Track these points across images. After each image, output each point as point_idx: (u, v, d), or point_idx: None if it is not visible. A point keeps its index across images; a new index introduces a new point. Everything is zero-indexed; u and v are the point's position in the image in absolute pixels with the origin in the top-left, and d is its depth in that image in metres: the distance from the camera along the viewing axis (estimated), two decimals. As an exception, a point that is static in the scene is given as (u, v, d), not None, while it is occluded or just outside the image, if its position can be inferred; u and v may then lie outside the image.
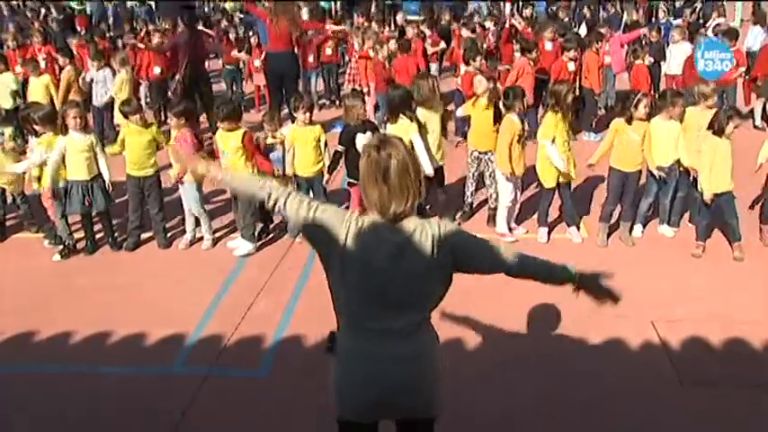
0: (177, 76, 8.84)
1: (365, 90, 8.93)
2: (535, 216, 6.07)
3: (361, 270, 2.11)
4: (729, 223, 5.46)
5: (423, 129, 5.70)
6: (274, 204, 2.26)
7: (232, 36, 11.35)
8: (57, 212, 5.73)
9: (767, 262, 5.43)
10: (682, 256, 5.54)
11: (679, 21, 12.94)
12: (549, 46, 8.88)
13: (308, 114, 5.76)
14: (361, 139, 5.60)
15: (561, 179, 5.67)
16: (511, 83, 7.58)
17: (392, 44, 9.17)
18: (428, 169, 5.61)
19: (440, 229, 2.14)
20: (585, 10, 13.89)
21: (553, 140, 5.51)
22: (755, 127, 9.05)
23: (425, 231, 2.12)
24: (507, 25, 9.32)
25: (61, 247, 5.80)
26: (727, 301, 4.80)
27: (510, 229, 5.96)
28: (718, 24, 11.07)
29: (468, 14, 12.53)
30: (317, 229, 2.16)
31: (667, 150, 5.64)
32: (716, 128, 5.23)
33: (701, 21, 13.27)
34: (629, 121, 5.52)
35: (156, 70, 9.51)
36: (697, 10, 13.24)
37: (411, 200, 2.13)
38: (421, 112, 5.82)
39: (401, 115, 5.63)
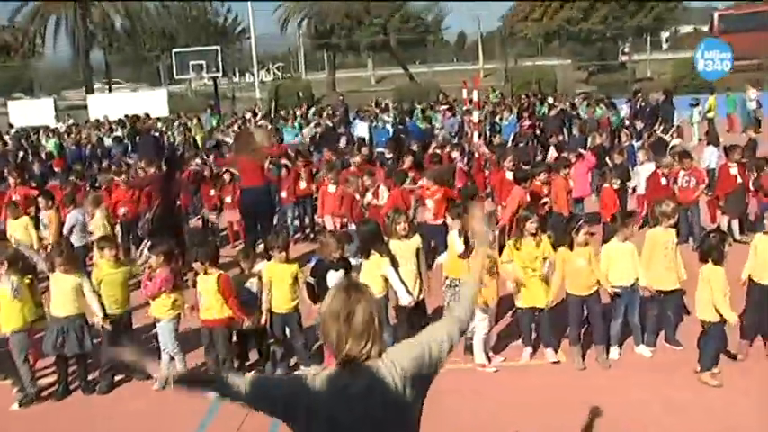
0: (147, 215, 9.11)
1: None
2: (513, 343, 6.32)
3: (331, 429, 2.12)
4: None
5: (396, 262, 5.96)
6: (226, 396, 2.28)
7: (207, 173, 11.70)
8: (19, 357, 5.74)
9: (751, 379, 5.62)
10: (663, 376, 5.74)
11: (641, 143, 14.03)
12: (509, 175, 9.28)
13: (284, 253, 6.03)
14: (333, 276, 5.84)
15: (533, 302, 6.00)
16: (512, 214, 7.74)
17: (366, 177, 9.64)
18: (404, 299, 5.83)
19: (395, 364, 2.17)
20: (552, 137, 14.98)
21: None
22: (736, 241, 9.46)
23: (388, 370, 2.14)
24: (477, 154, 9.90)
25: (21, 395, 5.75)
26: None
27: (488, 358, 6.15)
28: (673, 146, 12.04)
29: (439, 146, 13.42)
30: (275, 405, 2.18)
31: (625, 270, 6.01)
32: (715, 257, 5.43)
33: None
34: (571, 247, 5.91)
35: (122, 211, 9.67)
36: (656, 133, 14.37)
37: (370, 344, 2.18)
38: (395, 244, 6.10)
39: (373, 251, 5.89)
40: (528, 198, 8.28)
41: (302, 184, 10.96)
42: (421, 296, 6.21)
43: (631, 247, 6.08)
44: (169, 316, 5.92)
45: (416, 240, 6.25)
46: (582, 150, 10.64)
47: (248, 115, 23.94)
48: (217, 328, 5.86)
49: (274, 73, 51.14)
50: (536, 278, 6.04)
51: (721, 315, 5.40)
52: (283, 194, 10.79)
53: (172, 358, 6.00)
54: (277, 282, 6.01)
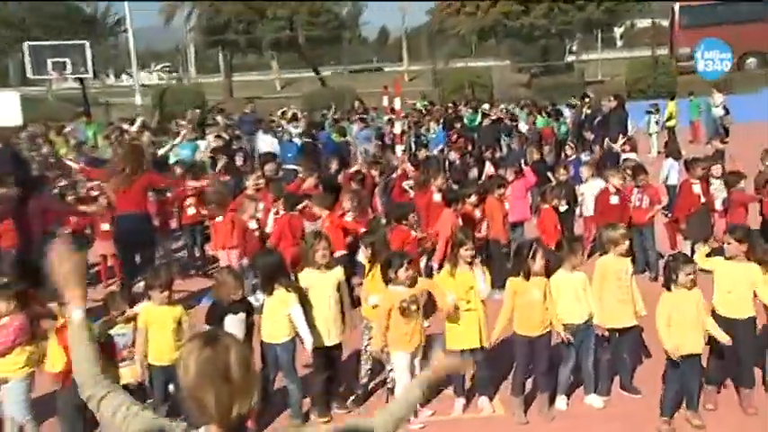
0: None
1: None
2: (443, 393, 6.39)
3: None
4: (689, 389, 5.80)
5: (306, 298, 6.04)
6: (89, 399, 2.33)
7: (70, 197, 11.27)
8: None
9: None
10: (619, 429, 5.90)
11: (589, 157, 14.65)
12: (438, 197, 9.49)
13: (165, 294, 5.94)
14: (231, 321, 5.83)
15: (467, 343, 6.10)
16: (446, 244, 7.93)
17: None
18: (307, 343, 5.91)
19: None
20: (486, 151, 15.39)
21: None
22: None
23: None
24: (399, 172, 10.01)
25: None
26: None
27: (414, 412, 6.18)
28: (626, 159, 12.58)
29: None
30: None
31: (576, 306, 6.18)
32: (667, 281, 5.72)
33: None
34: (527, 276, 6.04)
35: None
36: (606, 144, 15.05)
37: (253, 400, 2.21)
38: (312, 276, 6.16)
39: (276, 285, 5.94)
40: (460, 223, 8.43)
41: (190, 210, 10.89)
42: (336, 340, 6.27)
43: (582, 278, 6.24)
44: (21, 375, 5.67)
45: (338, 272, 6.33)
46: (522, 165, 10.93)
47: (127, 126, 23.34)
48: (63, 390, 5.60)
49: (158, 74, 50.32)
50: (471, 313, 6.12)
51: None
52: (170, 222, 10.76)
53: (21, 428, 5.73)
54: (157, 328, 5.93)
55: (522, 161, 11.47)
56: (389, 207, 9.64)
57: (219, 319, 5.84)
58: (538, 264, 6.02)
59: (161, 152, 16.37)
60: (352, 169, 12.15)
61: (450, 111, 24.10)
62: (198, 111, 26.47)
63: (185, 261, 11.30)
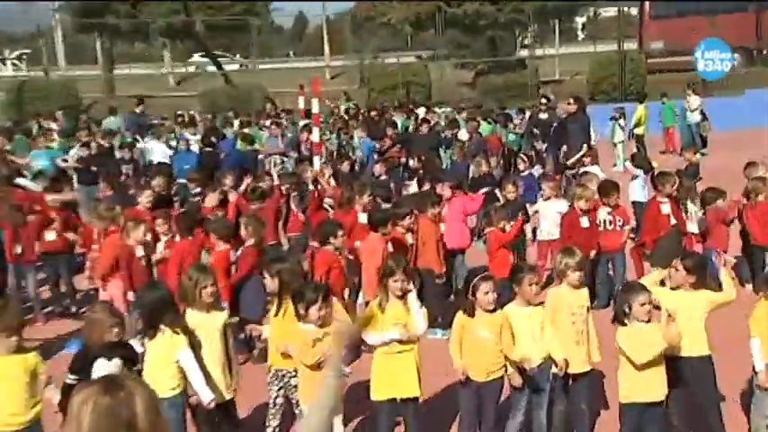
0: None
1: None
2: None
3: None
4: None
5: (197, 342, 6.02)
6: None
7: None
8: None
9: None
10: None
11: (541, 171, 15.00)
12: (363, 218, 9.62)
13: (13, 338, 5.69)
14: (103, 368, 5.69)
15: (402, 392, 6.14)
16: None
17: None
18: (205, 396, 5.87)
19: None
20: (416, 161, 15.51)
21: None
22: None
23: None
24: (313, 187, 10.05)
25: None
26: None
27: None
28: (586, 173, 12.85)
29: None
30: None
31: (531, 345, 6.29)
32: (626, 314, 5.88)
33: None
34: (471, 313, 6.14)
35: None
36: (561, 155, 15.42)
37: None
38: (196, 317, 6.16)
39: (161, 326, 5.89)
40: (390, 249, 8.49)
41: (50, 235, 10.66)
42: (229, 393, 6.33)
43: (538, 313, 6.37)
44: None
45: (224, 314, 6.46)
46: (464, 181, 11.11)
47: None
48: None
49: (14, 64, 48.92)
50: (404, 356, 6.16)
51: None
52: (18, 250, 10.38)
53: None
54: (1, 383, 5.67)
55: (465, 176, 11.63)
56: (314, 225, 9.67)
57: (87, 365, 5.70)
58: (482, 298, 6.08)
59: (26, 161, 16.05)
60: (243, 185, 12.23)
61: (378, 114, 24.36)
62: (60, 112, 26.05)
63: (47, 298, 11.05)
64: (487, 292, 6.09)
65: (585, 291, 6.71)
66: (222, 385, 6.25)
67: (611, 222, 10.18)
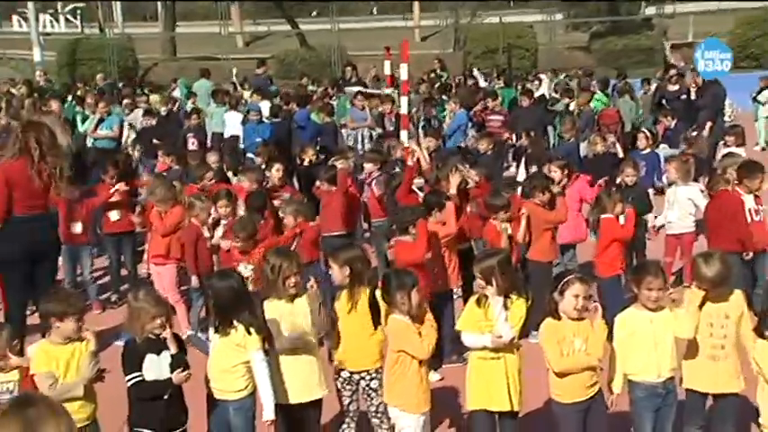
0: None
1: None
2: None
3: None
4: None
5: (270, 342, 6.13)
6: None
7: None
8: None
9: None
10: None
11: (674, 151, 14.67)
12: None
13: (74, 323, 5.92)
14: (155, 364, 5.90)
15: (495, 405, 6.16)
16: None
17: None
18: (267, 412, 5.99)
19: None
20: (524, 138, 15.37)
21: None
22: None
23: None
24: (411, 163, 10.03)
25: None
26: None
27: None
28: (729, 154, 12.50)
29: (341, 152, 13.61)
30: None
31: (652, 357, 6.17)
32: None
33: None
34: (557, 315, 6.07)
35: None
36: (705, 131, 15.10)
37: None
38: (278, 308, 6.27)
39: (234, 322, 6.00)
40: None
41: (114, 214, 10.91)
42: (319, 394, 6.45)
43: (664, 319, 6.21)
44: None
45: (311, 299, 6.45)
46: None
47: (20, 90, 23.39)
48: None
49: (68, 20, 50.09)
50: (496, 363, 6.19)
51: None
52: (77, 228, 10.64)
53: None
54: (66, 377, 5.90)
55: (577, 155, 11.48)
56: (394, 212, 9.71)
57: (138, 364, 5.86)
58: (569, 301, 5.99)
59: (83, 128, 16.50)
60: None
61: (475, 84, 24.23)
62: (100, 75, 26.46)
63: (105, 283, 11.39)
64: (577, 296, 6.01)
65: (735, 297, 6.50)
66: (309, 383, 6.36)
67: (756, 212, 9.81)
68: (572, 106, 18.47)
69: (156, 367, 5.89)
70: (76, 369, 5.91)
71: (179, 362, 5.93)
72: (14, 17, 48.00)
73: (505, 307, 6.13)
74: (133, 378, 5.86)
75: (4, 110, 18.18)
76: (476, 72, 27.73)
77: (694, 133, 15.65)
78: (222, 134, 18.22)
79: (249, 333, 5.98)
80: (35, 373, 5.86)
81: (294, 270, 6.32)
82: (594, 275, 9.10)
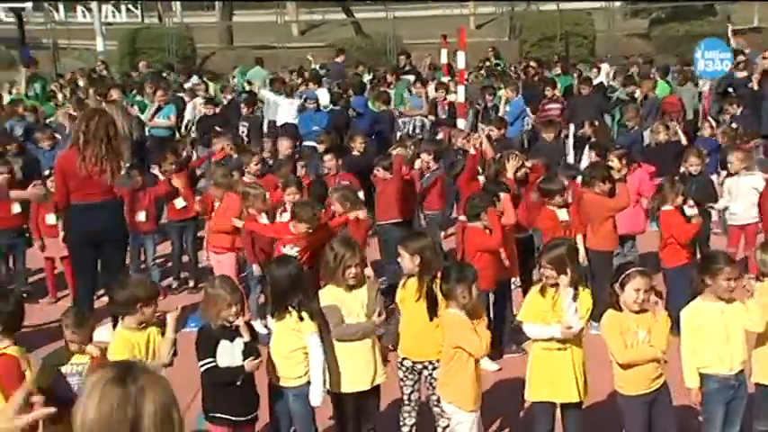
0: None
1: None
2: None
3: None
4: None
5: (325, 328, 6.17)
6: None
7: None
8: None
9: None
10: None
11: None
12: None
13: (152, 308, 6.02)
14: (228, 351, 5.96)
15: (560, 396, 6.13)
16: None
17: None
18: (314, 396, 6.05)
19: None
20: (587, 127, 15.21)
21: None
22: None
23: None
24: (473, 150, 9.98)
25: None
26: None
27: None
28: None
29: (400, 140, 13.58)
30: None
31: (723, 348, 6.06)
32: None
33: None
34: (618, 307, 6.01)
35: None
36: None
37: None
38: (339, 295, 6.29)
39: (289, 307, 6.07)
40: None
41: (179, 201, 11.10)
42: (379, 380, 6.46)
43: (732, 310, 6.12)
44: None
45: (370, 289, 6.46)
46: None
47: (83, 81, 23.73)
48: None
49: (129, 9, 50.67)
50: (562, 354, 6.15)
51: None
52: (141, 216, 10.76)
53: None
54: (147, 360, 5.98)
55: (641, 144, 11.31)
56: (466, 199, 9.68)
57: (212, 349, 5.93)
58: (630, 294, 5.91)
59: (144, 117, 16.71)
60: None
61: (532, 71, 24.01)
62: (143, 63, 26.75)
63: (168, 269, 11.51)
64: (638, 290, 5.91)
65: None
66: (367, 370, 6.36)
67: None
68: (636, 93, 18.21)
69: (229, 354, 5.96)
70: (153, 354, 6.00)
71: (251, 349, 6.01)
72: (79, 8, 48.67)
73: (574, 298, 6.07)
74: (207, 364, 5.94)
75: (69, 99, 18.48)
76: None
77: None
78: (275, 122, 18.29)
79: (301, 319, 6.04)
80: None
81: (356, 261, 6.32)
82: (660, 266, 9.05)
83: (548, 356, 6.20)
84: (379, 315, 6.45)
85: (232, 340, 5.97)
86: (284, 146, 13.14)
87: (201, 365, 5.96)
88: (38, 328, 9.16)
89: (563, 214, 9.13)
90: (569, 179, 10.18)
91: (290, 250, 8.49)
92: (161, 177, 11.28)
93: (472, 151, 9.93)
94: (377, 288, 6.64)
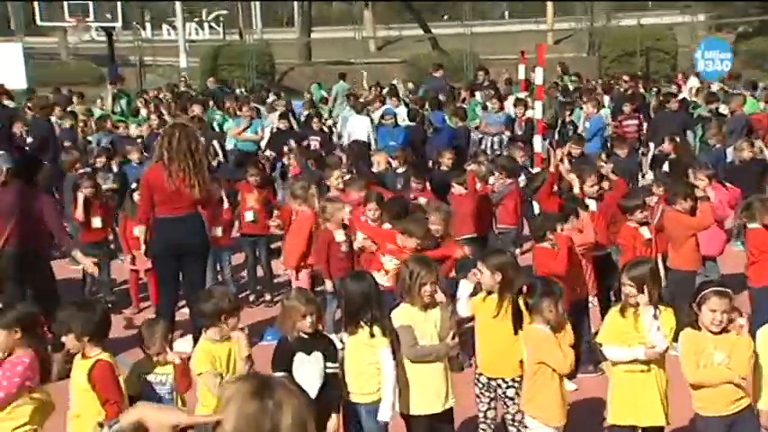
0: None
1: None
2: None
3: None
4: None
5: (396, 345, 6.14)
6: None
7: (86, 189, 11.04)
8: None
9: None
10: None
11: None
12: (592, 205, 9.47)
13: (234, 321, 6.10)
14: (305, 364, 5.96)
15: (644, 420, 6.04)
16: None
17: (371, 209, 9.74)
18: (383, 412, 6.00)
19: None
20: (667, 144, 14.95)
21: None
22: None
23: None
24: (553, 168, 9.94)
25: None
26: None
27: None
28: None
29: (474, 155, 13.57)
30: None
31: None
32: None
33: None
34: (697, 327, 5.90)
35: None
36: None
37: None
38: (412, 315, 6.27)
39: (362, 322, 6.06)
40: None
41: (250, 215, 11.20)
42: (450, 404, 6.36)
43: None
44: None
45: (441, 310, 6.41)
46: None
47: (167, 95, 24.22)
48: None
49: (211, 27, 51.62)
50: (646, 376, 6.06)
51: None
52: (218, 231, 10.91)
53: None
54: (228, 373, 6.05)
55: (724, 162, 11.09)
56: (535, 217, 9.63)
57: (288, 362, 5.95)
58: (707, 315, 5.80)
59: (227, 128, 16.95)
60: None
61: (625, 85, 23.64)
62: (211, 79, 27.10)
63: (244, 282, 11.63)
64: (714, 311, 5.80)
65: None
66: (439, 393, 6.30)
67: None
68: (723, 110, 17.88)
69: (306, 368, 5.96)
70: (233, 367, 6.07)
71: (331, 358, 6.05)
72: (164, 26, 49.93)
73: (654, 317, 5.97)
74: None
75: (154, 115, 18.90)
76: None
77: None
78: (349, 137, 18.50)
79: (373, 335, 6.03)
80: (201, 372, 6.01)
81: (431, 278, 6.28)
82: (747, 285, 8.87)
83: (630, 378, 6.11)
84: (453, 338, 6.41)
85: (309, 353, 5.98)
86: (379, 159, 13.28)
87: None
88: (122, 338, 9.35)
89: (645, 232, 9.00)
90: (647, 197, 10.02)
91: (389, 262, 8.47)
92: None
93: (551, 169, 9.88)
94: (451, 310, 6.61)
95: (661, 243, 9.22)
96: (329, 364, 6.06)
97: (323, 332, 6.35)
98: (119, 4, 33.05)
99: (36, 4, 33.35)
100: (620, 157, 14.00)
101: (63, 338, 5.83)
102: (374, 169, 13.47)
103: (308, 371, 5.96)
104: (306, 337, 5.99)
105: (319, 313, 6.23)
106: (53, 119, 17.54)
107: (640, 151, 17.16)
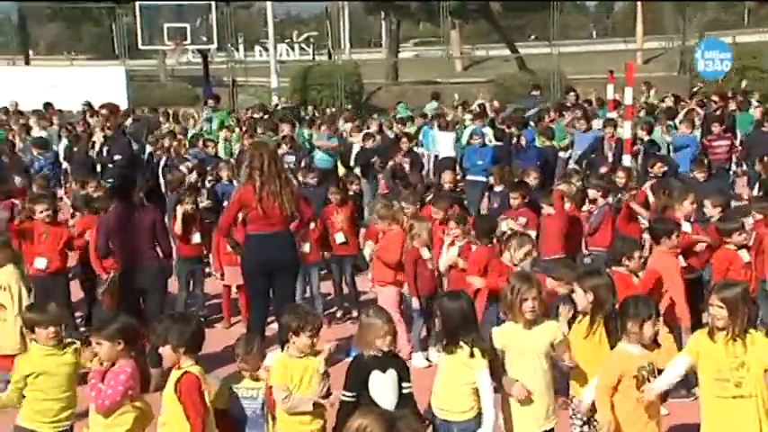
0: (111, 273, 9.57)
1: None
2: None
3: None
4: None
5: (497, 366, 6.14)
6: None
7: (185, 204, 11.28)
8: None
9: None
10: None
11: None
12: (687, 226, 9.30)
13: (309, 338, 6.14)
14: (380, 382, 5.98)
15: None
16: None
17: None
18: (487, 427, 5.97)
19: None
20: (758, 165, 14.63)
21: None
22: None
23: None
24: (630, 193, 9.85)
25: None
26: None
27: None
28: None
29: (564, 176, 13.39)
30: None
31: None
32: None
33: None
34: None
35: (40, 263, 9.87)
36: None
37: None
38: (515, 333, 6.23)
39: (461, 342, 6.05)
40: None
41: (340, 236, 11.33)
42: (551, 424, 6.31)
43: None
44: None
45: (550, 329, 6.32)
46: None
47: (258, 114, 24.57)
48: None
49: (301, 48, 52.36)
50: (745, 402, 5.87)
51: None
52: (305, 248, 10.99)
53: None
54: (301, 388, 6.13)
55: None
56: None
57: (363, 381, 5.97)
58: None
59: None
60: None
61: (714, 105, 23.19)
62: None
63: (331, 299, 11.68)
64: None
65: None
66: (538, 414, 6.23)
67: None
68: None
69: (381, 386, 5.97)
70: (308, 384, 6.12)
71: (403, 380, 6.05)
72: (256, 47, 50.93)
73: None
74: (347, 396, 5.98)
75: (246, 133, 19.26)
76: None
77: None
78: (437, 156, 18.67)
79: (472, 356, 6.01)
80: (272, 384, 6.13)
81: (533, 294, 6.19)
82: None
83: (721, 405, 5.92)
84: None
85: (384, 371, 5.98)
86: (446, 179, 13.25)
87: (342, 394, 6.00)
88: (213, 353, 9.49)
89: (744, 255, 8.76)
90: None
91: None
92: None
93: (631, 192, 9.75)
94: (560, 331, 6.48)
95: (760, 266, 9.01)
96: (404, 384, 6.07)
97: (396, 352, 6.34)
98: (214, 27, 33.68)
99: (138, 28, 34.37)
100: (699, 179, 13.72)
101: (160, 350, 5.96)
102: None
103: (385, 389, 5.98)
104: (380, 355, 6.01)
105: (395, 333, 6.23)
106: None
107: (732, 171, 16.76)
